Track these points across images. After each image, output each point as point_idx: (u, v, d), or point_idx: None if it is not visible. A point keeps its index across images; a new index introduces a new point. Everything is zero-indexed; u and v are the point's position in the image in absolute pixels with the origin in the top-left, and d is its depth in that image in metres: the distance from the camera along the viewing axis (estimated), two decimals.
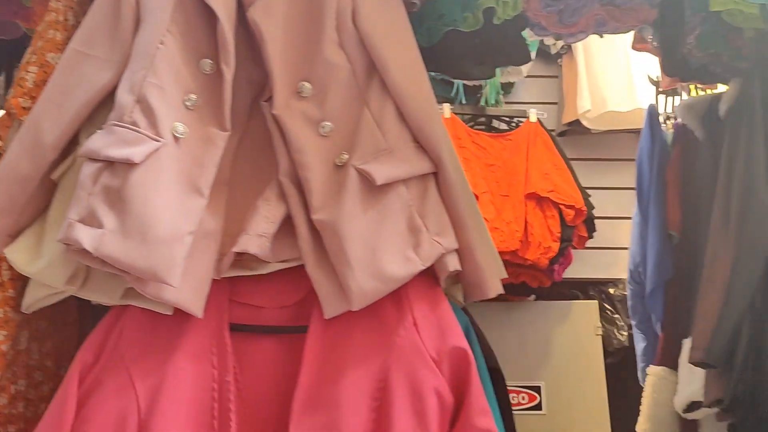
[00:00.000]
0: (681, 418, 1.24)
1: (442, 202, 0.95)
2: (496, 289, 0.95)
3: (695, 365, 1.04)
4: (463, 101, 2.43)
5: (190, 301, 0.86)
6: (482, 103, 2.40)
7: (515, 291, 2.29)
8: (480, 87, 2.42)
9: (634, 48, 1.50)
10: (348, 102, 0.97)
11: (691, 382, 1.15)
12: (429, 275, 0.92)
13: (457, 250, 0.94)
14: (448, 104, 2.32)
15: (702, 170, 1.29)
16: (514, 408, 2.22)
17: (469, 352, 0.87)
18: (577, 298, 2.44)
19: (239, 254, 0.90)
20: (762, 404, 0.96)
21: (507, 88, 2.58)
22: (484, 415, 0.84)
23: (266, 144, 0.97)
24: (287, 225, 0.92)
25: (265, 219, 0.91)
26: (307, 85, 0.97)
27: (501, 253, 2.04)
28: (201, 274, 0.88)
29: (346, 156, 0.93)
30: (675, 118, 1.55)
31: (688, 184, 1.34)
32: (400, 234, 0.90)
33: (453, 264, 0.92)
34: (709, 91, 1.64)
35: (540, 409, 2.24)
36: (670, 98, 1.80)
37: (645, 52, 1.51)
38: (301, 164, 0.93)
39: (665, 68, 1.38)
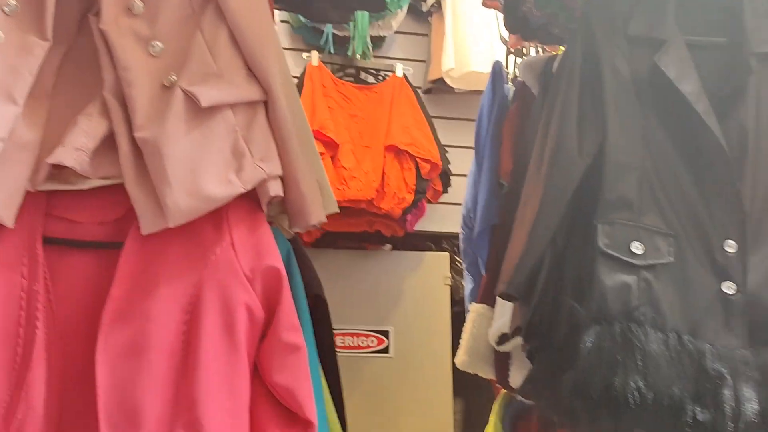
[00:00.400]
0: (495, 351, 1.35)
1: (271, 131, 0.98)
2: (317, 217, 0.99)
3: (499, 297, 1.14)
4: (332, 51, 2.45)
5: (0, 210, 0.84)
6: (349, 53, 2.42)
7: (372, 239, 2.38)
8: (350, 38, 2.44)
9: (484, 5, 1.58)
10: (181, 24, 0.97)
11: (502, 315, 1.26)
12: (252, 199, 0.95)
13: (282, 178, 0.97)
14: (316, 52, 2.33)
15: (533, 124, 1.38)
16: (362, 350, 2.33)
17: (282, 271, 0.90)
18: (431, 250, 2.56)
19: (59, 168, 0.89)
20: (556, 331, 1.05)
21: (378, 42, 2.62)
22: (293, 331, 0.89)
23: (93, 59, 0.95)
24: (110, 142, 0.91)
25: (84, 133, 0.89)
26: (138, 2, 0.95)
27: (357, 201, 2.13)
28: (13, 184, 0.86)
29: (174, 77, 0.93)
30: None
31: (521, 137, 1.44)
32: (223, 157, 0.91)
33: (275, 189, 0.95)
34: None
35: (387, 352, 2.35)
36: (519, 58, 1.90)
37: (495, 10, 1.59)
38: (127, 81, 0.92)
39: (508, 26, 1.46)
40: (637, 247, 1.05)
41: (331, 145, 2.13)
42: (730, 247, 1.06)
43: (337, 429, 1.03)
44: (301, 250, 1.09)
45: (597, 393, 0.96)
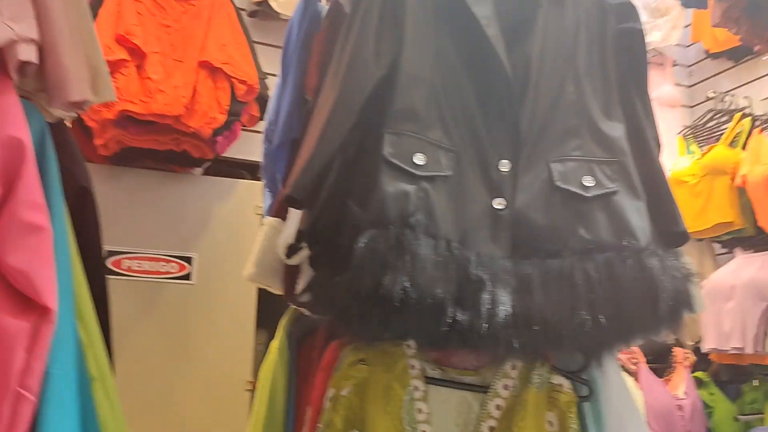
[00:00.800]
0: (285, 265, 1.34)
1: None
2: (80, 93, 0.90)
3: (284, 202, 1.12)
4: None
5: None
6: None
7: (179, 160, 2.25)
8: None
9: None
10: None
11: (291, 226, 1.24)
12: None
13: (39, 45, 0.86)
14: None
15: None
16: (161, 276, 2.22)
17: (26, 143, 0.81)
18: (244, 178, 2.48)
19: None
20: (338, 236, 1.05)
21: None
22: (35, 210, 0.80)
23: None
24: None
25: None
26: None
27: (163, 116, 2.00)
28: None
29: None
30: None
31: (329, 54, 1.41)
32: None
33: (26, 54, 0.84)
34: None
35: (189, 279, 2.26)
36: None
37: None
38: None
39: None
40: (419, 159, 1.07)
41: (136, 53, 1.97)
42: (504, 166, 1.12)
43: (92, 323, 0.95)
44: (65, 135, 0.99)
45: (367, 292, 0.98)
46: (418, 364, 1.13)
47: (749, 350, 2.48)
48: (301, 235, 1.12)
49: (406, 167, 1.06)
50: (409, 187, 1.05)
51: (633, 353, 2.87)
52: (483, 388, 1.14)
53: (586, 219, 1.11)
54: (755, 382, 2.77)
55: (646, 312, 1.06)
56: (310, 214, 1.10)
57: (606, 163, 1.16)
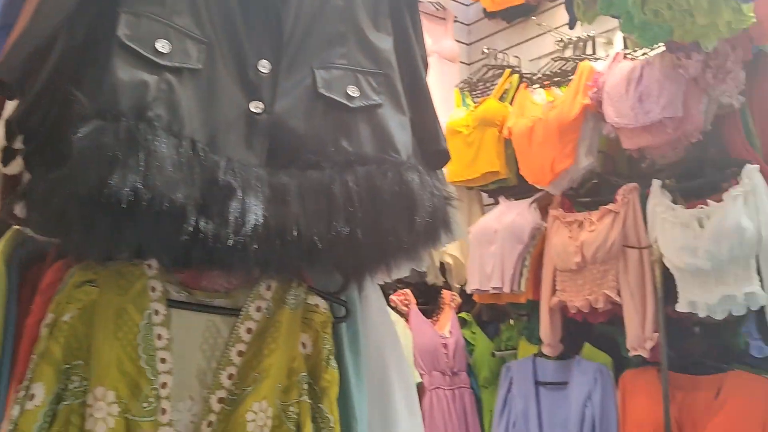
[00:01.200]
0: (2, 175, 1.12)
1: None
2: None
3: None
4: None
5: None
6: None
7: None
8: None
9: None
10: None
11: None
12: None
13: None
14: None
15: None
16: None
17: None
18: None
19: None
20: (58, 130, 0.88)
21: None
22: None
23: None
24: None
25: None
26: None
27: None
28: None
29: None
30: None
31: None
32: None
33: None
34: None
35: None
36: None
37: None
38: None
39: None
40: (162, 46, 0.94)
41: None
42: (264, 67, 1.03)
43: None
44: None
45: (90, 192, 0.83)
46: (160, 286, 1.00)
47: (507, 289, 2.67)
48: (10, 127, 0.92)
49: (146, 53, 0.92)
50: (149, 77, 0.91)
51: (405, 295, 2.97)
52: (235, 311, 1.05)
53: (349, 130, 1.05)
54: (511, 321, 3.01)
55: (403, 227, 1.03)
56: (24, 101, 0.91)
57: (372, 74, 1.10)
